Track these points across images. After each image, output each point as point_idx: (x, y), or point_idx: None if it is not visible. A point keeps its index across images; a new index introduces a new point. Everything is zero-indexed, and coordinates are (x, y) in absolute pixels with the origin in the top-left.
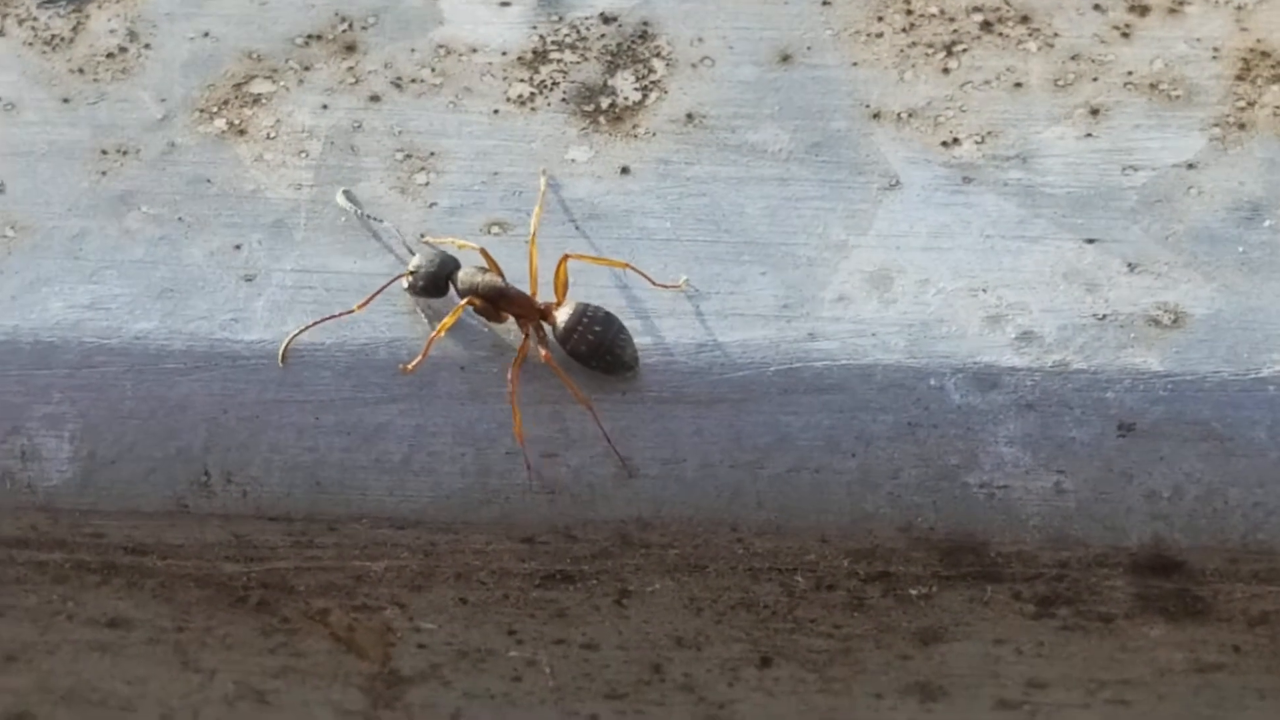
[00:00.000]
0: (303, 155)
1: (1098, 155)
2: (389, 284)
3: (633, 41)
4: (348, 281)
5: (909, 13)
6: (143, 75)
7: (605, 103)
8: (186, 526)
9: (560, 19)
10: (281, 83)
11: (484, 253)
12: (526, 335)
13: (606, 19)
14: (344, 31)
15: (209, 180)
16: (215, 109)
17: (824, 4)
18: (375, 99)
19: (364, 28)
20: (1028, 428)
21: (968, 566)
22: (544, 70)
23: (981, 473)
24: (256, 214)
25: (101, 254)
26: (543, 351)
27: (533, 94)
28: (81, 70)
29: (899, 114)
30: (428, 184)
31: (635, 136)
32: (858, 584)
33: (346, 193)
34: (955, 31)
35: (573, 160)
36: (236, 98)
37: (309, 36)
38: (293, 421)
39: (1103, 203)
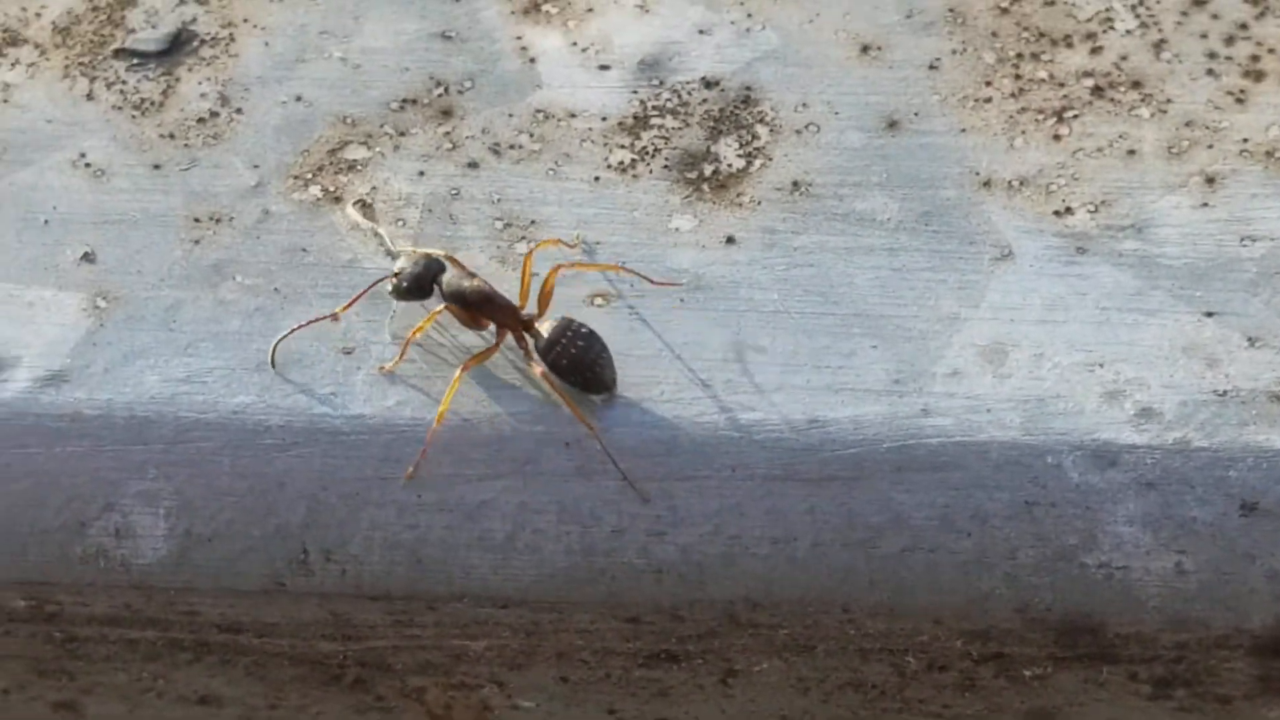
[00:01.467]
0: (400, 224)
1: (1215, 225)
2: (373, 286)
3: (735, 107)
4: (447, 354)
5: (1018, 77)
6: (235, 141)
7: (709, 170)
8: (283, 605)
9: (661, 83)
10: (377, 149)
11: (455, 260)
12: (499, 341)
13: (708, 83)
14: (440, 96)
15: (304, 249)
16: (310, 175)
17: (930, 68)
18: (473, 165)
19: (460, 92)
20: (1148, 507)
21: (1084, 648)
22: (645, 136)
23: (1100, 553)
24: (354, 284)
25: (196, 325)
26: (538, 368)
27: (634, 160)
28: (172, 135)
29: (1010, 182)
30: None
31: (740, 205)
32: (970, 665)
33: (358, 204)
34: (1065, 97)
35: (677, 229)
36: (331, 164)
37: (404, 101)
38: (394, 499)
39: (1221, 274)
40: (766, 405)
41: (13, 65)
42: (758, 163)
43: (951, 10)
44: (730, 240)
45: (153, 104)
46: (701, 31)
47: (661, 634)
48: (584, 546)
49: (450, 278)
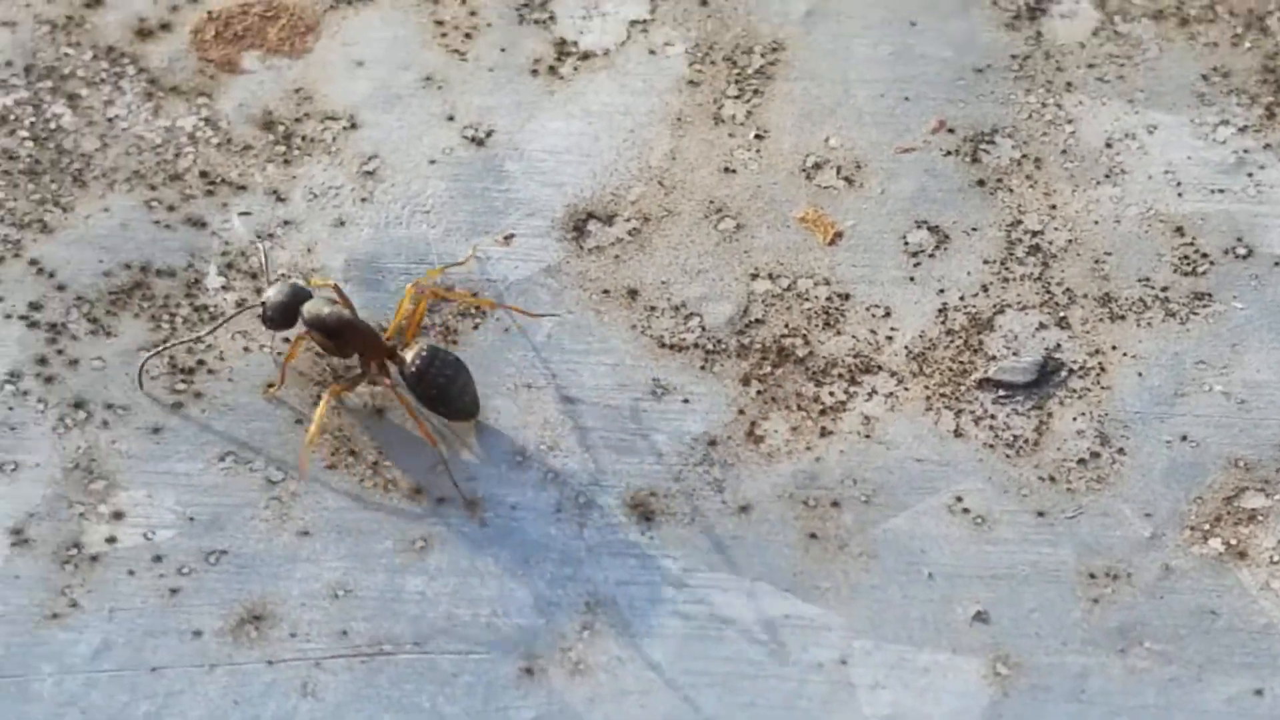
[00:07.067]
0: None
1: None
2: (240, 312)
3: None
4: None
5: None
6: (1120, 485)
7: None
8: None
9: None
10: (1276, 496)
11: (336, 288)
12: (365, 371)
13: None
14: None
15: (1213, 612)
16: (1207, 526)
17: None
18: None
19: None
20: None
21: None
22: None
23: None
24: (1274, 654)
25: (1108, 698)
26: (387, 381)
27: None
28: (1052, 478)
29: None
30: None
31: None
32: None
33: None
34: None
35: None
36: (1228, 514)
37: None
38: None
39: None
40: None
41: (869, 395)
42: None
43: None
44: None
45: (1027, 442)
46: None
47: None
48: None
49: (311, 305)
